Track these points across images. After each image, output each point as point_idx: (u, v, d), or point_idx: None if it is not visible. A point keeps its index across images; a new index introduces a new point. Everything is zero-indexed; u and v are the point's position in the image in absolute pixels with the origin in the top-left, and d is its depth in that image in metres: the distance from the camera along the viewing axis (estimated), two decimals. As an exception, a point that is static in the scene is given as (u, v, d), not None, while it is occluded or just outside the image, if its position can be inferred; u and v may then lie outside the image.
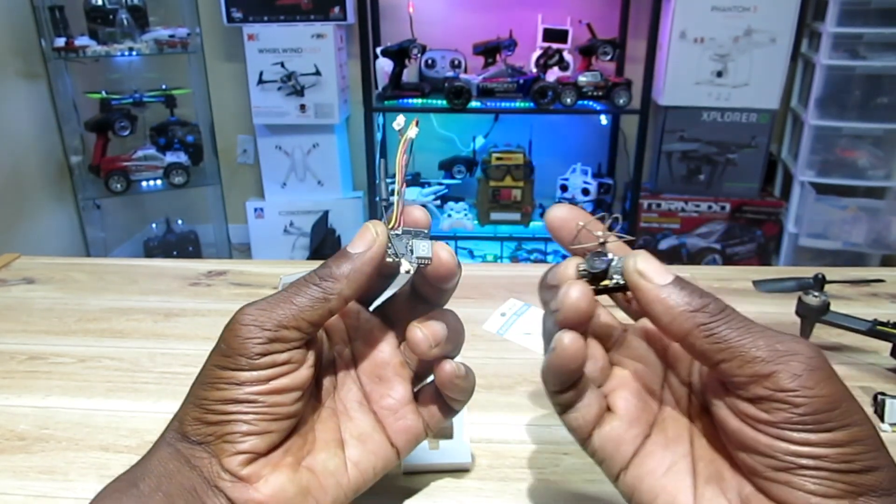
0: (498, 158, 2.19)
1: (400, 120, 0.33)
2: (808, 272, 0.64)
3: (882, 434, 0.46)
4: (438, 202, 2.29)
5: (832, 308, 0.54)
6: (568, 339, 0.29)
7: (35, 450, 0.44)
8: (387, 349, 0.35)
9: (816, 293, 0.54)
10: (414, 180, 2.35)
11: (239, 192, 2.55)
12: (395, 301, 0.36)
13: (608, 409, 0.32)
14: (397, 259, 0.32)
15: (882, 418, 0.47)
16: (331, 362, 0.35)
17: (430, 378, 0.35)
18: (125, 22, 2.11)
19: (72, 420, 0.47)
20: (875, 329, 0.53)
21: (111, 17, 2.10)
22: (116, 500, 0.29)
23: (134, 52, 2.12)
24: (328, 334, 0.35)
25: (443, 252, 0.32)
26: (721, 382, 0.28)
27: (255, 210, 2.43)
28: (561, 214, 0.32)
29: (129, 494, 0.29)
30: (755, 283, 0.64)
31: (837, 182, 2.14)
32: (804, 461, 0.25)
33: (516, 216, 2.25)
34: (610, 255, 0.31)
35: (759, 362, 0.26)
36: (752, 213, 2.23)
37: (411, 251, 0.32)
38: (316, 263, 0.32)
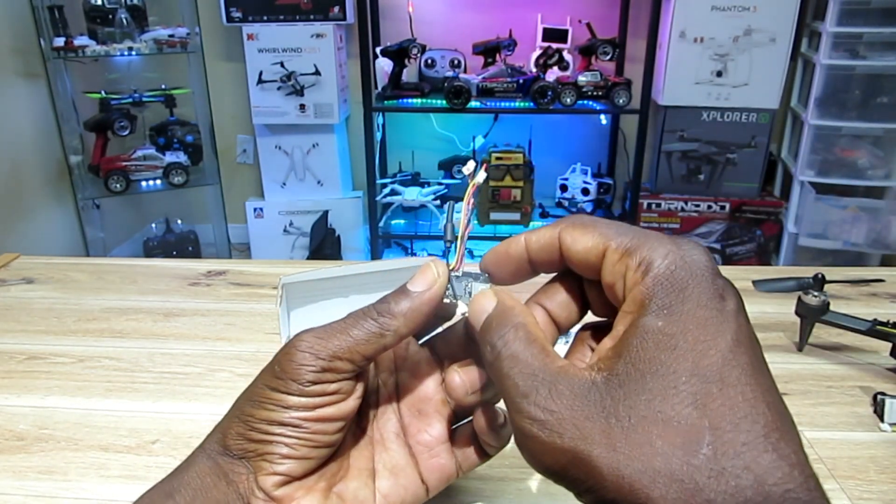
0: (498, 158, 2.19)
1: (470, 165, 0.34)
2: (807, 272, 0.64)
3: (882, 434, 0.46)
4: (438, 202, 2.29)
5: (832, 308, 0.54)
6: None
7: (34, 450, 0.44)
8: (431, 384, 0.35)
9: (816, 293, 0.54)
10: (413, 180, 2.35)
11: (238, 191, 2.55)
12: (446, 337, 0.36)
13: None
14: (455, 301, 0.32)
15: (882, 418, 0.47)
16: (374, 390, 0.35)
17: (469, 418, 0.35)
18: (124, 22, 2.11)
19: (71, 420, 0.47)
20: (875, 329, 0.53)
21: (110, 16, 2.10)
22: None
23: (133, 52, 2.12)
24: (375, 362, 0.35)
25: None
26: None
27: (255, 210, 2.43)
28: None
29: None
30: (755, 282, 0.64)
31: (837, 182, 2.14)
32: None
33: (516, 216, 2.25)
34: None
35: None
36: (752, 212, 2.23)
37: (469, 294, 0.32)
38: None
